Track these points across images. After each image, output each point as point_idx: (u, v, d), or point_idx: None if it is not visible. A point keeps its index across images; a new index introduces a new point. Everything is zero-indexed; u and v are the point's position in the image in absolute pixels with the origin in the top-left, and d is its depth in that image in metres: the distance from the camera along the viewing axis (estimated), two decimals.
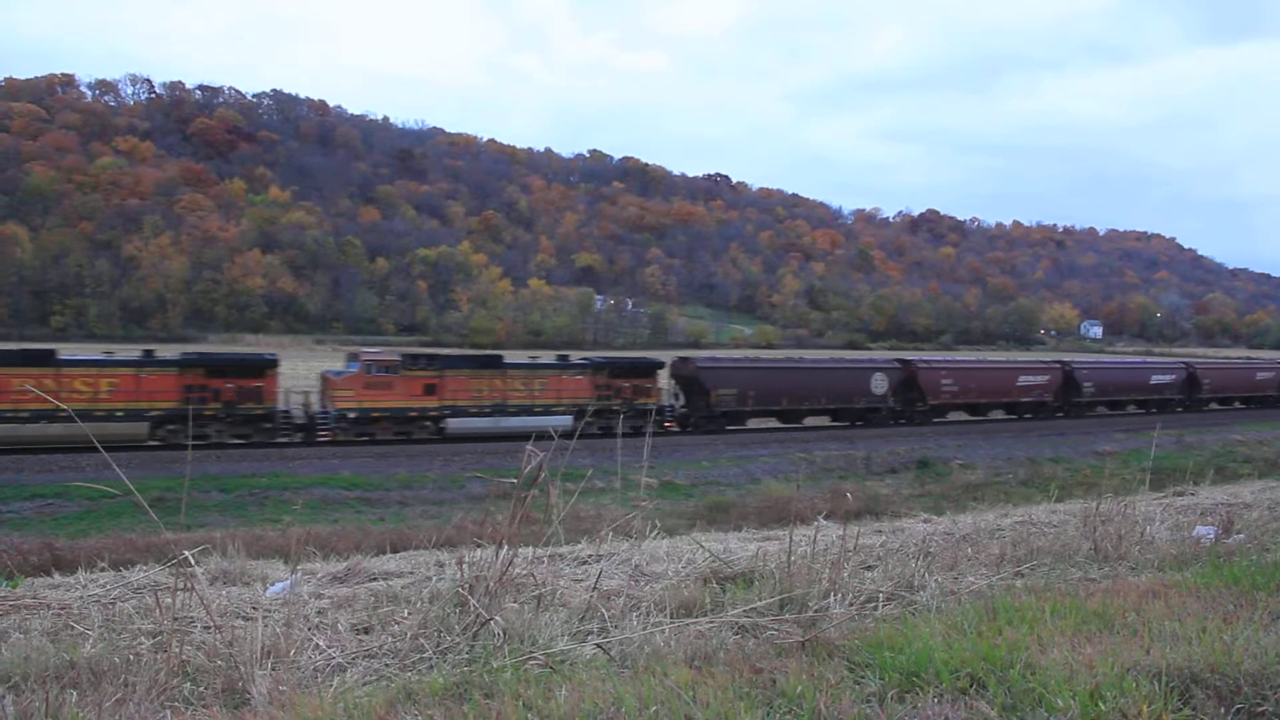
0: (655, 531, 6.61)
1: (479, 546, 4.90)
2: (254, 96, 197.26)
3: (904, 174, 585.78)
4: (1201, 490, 11.62)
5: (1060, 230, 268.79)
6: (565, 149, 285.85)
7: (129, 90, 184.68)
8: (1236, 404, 62.39)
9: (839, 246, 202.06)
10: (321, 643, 4.35)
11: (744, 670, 3.65)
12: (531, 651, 3.94)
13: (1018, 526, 8.67)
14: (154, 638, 4.30)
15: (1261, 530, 7.80)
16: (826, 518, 7.21)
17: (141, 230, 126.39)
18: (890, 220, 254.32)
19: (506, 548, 4.52)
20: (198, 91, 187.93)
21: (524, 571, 4.81)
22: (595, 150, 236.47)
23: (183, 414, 31.89)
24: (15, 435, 30.46)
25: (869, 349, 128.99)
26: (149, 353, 34.70)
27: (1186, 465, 13.99)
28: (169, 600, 4.39)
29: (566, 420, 36.70)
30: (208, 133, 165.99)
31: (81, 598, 5.49)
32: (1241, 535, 7.55)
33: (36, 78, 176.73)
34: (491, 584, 4.40)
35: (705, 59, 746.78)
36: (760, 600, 4.72)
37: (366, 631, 4.63)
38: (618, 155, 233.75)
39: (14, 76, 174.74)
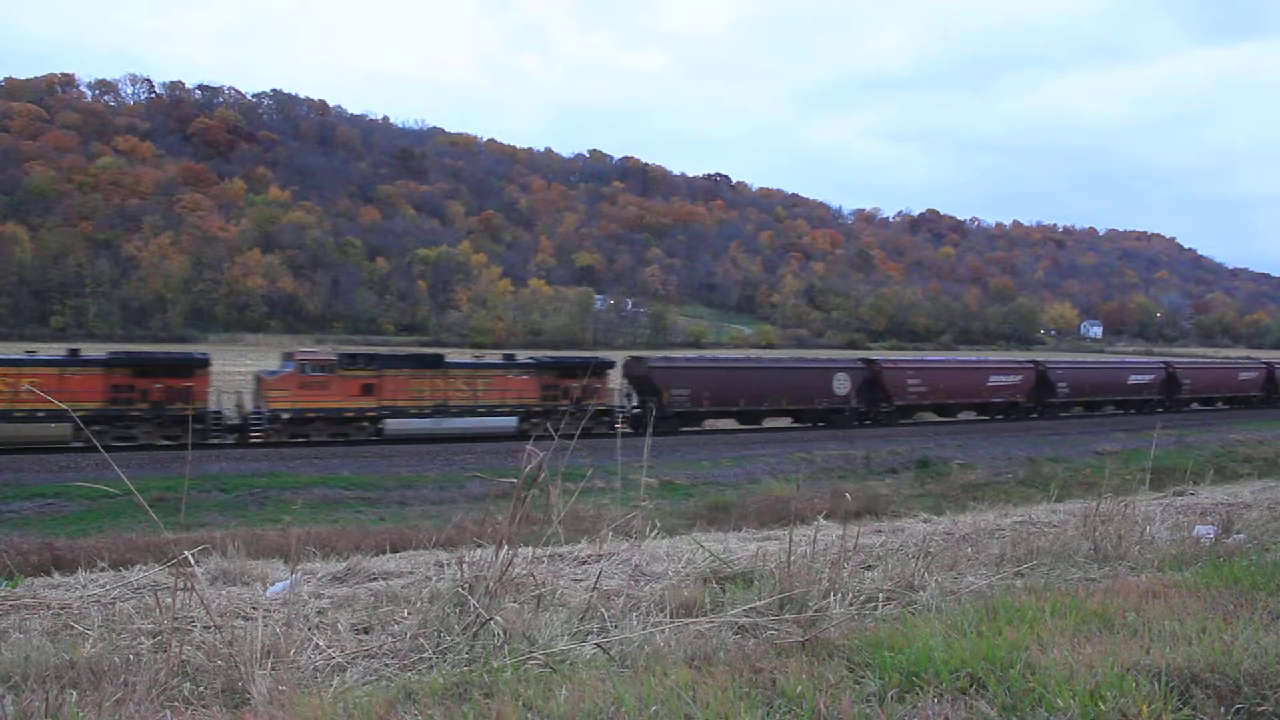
0: (655, 531, 6.61)
1: (479, 546, 4.90)
2: (254, 96, 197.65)
3: (904, 174, 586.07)
4: (1201, 490, 11.63)
5: (1060, 230, 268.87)
6: (565, 149, 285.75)
7: (129, 90, 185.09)
8: (1219, 404, 61.33)
9: (839, 246, 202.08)
10: (321, 642, 4.35)
11: (744, 670, 3.65)
12: (531, 651, 3.94)
13: (1017, 526, 8.67)
14: (154, 637, 4.30)
15: (1261, 530, 7.80)
16: (826, 517, 7.21)
17: (141, 230, 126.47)
18: (890, 220, 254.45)
19: (506, 548, 4.52)
20: (198, 91, 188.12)
21: (524, 571, 4.81)
22: (595, 150, 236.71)
23: (109, 415, 31.15)
24: None
25: (869, 349, 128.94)
26: (74, 351, 34.06)
27: (1186, 465, 13.99)
28: (169, 600, 4.39)
29: (511, 422, 36.33)
30: (208, 132, 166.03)
31: (81, 597, 5.50)
32: (1241, 535, 7.55)
33: (36, 77, 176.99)
34: (491, 584, 4.40)
35: (705, 59, 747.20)
36: (760, 600, 4.72)
37: (366, 631, 4.64)
38: (618, 155, 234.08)
39: (14, 76, 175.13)
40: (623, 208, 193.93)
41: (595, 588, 5.02)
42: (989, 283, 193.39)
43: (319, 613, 5.08)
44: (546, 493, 4.76)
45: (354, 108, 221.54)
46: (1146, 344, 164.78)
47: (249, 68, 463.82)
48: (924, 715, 3.23)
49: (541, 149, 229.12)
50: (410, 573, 6.47)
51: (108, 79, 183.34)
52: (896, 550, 6.70)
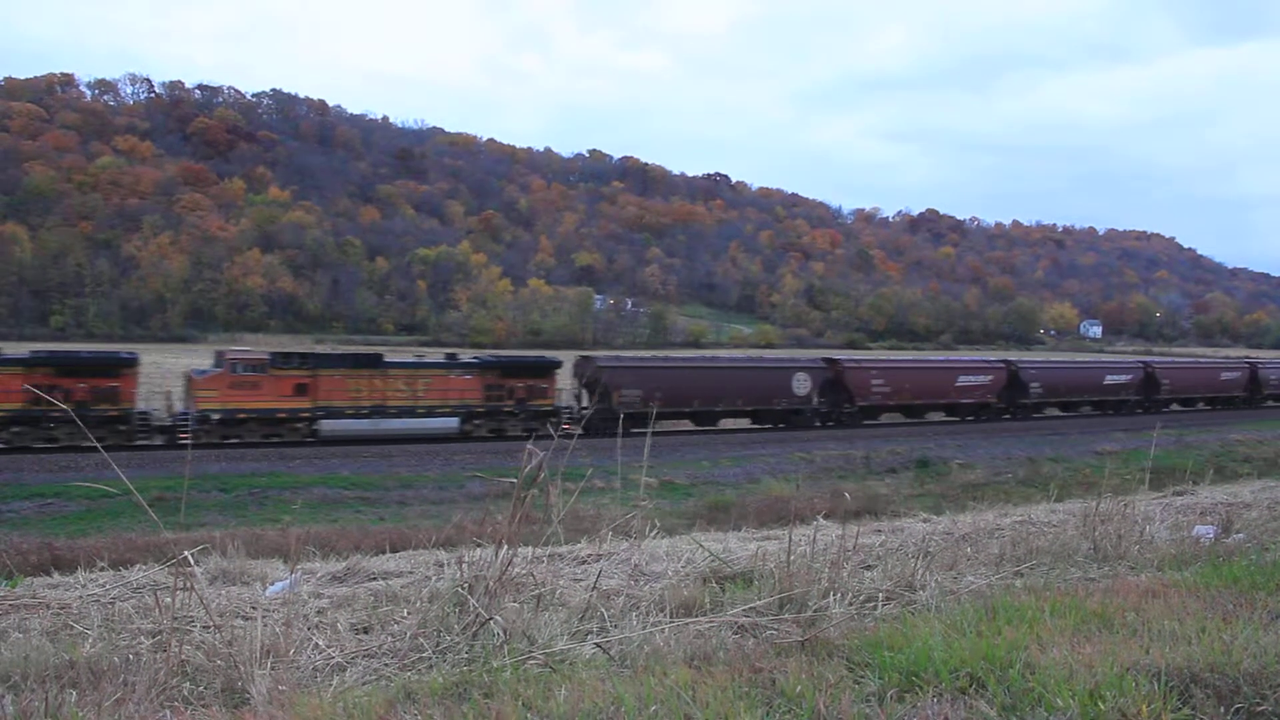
0: (655, 531, 6.61)
1: (478, 546, 4.90)
2: (253, 96, 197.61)
3: (904, 174, 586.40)
4: (1201, 490, 11.64)
5: (1060, 230, 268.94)
6: (565, 149, 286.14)
7: (128, 90, 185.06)
8: (1200, 405, 60.01)
9: (839, 246, 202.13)
10: (321, 642, 4.35)
11: (743, 670, 3.65)
12: (531, 651, 3.94)
13: (1017, 526, 8.67)
14: (153, 637, 4.30)
15: (1261, 530, 7.80)
16: (826, 517, 7.22)
17: (141, 230, 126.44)
18: (890, 220, 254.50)
19: (506, 547, 4.52)
20: (197, 91, 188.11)
21: (524, 571, 4.81)
22: (595, 150, 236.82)
23: (31, 416, 30.45)
24: None
25: (869, 348, 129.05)
26: None
27: (1186, 465, 13.99)
28: (168, 600, 4.39)
29: (452, 423, 35.61)
30: (207, 132, 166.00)
31: (81, 597, 5.50)
32: (1241, 535, 7.55)
33: (36, 77, 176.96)
34: (491, 583, 4.40)
35: (705, 59, 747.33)
36: (760, 600, 4.72)
37: (366, 631, 4.63)
38: (617, 155, 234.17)
39: (14, 76, 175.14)
40: (622, 207, 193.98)
41: (595, 587, 5.02)
42: (989, 282, 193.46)
43: (319, 612, 5.08)
44: (546, 492, 4.76)
45: (354, 107, 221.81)
46: (1146, 344, 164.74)
47: (249, 68, 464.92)
48: (924, 715, 3.23)
49: (541, 149, 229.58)
50: (410, 572, 6.47)
51: (107, 79, 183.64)
52: (896, 550, 6.70)
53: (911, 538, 7.78)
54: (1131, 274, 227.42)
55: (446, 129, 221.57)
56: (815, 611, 4.47)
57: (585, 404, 39.54)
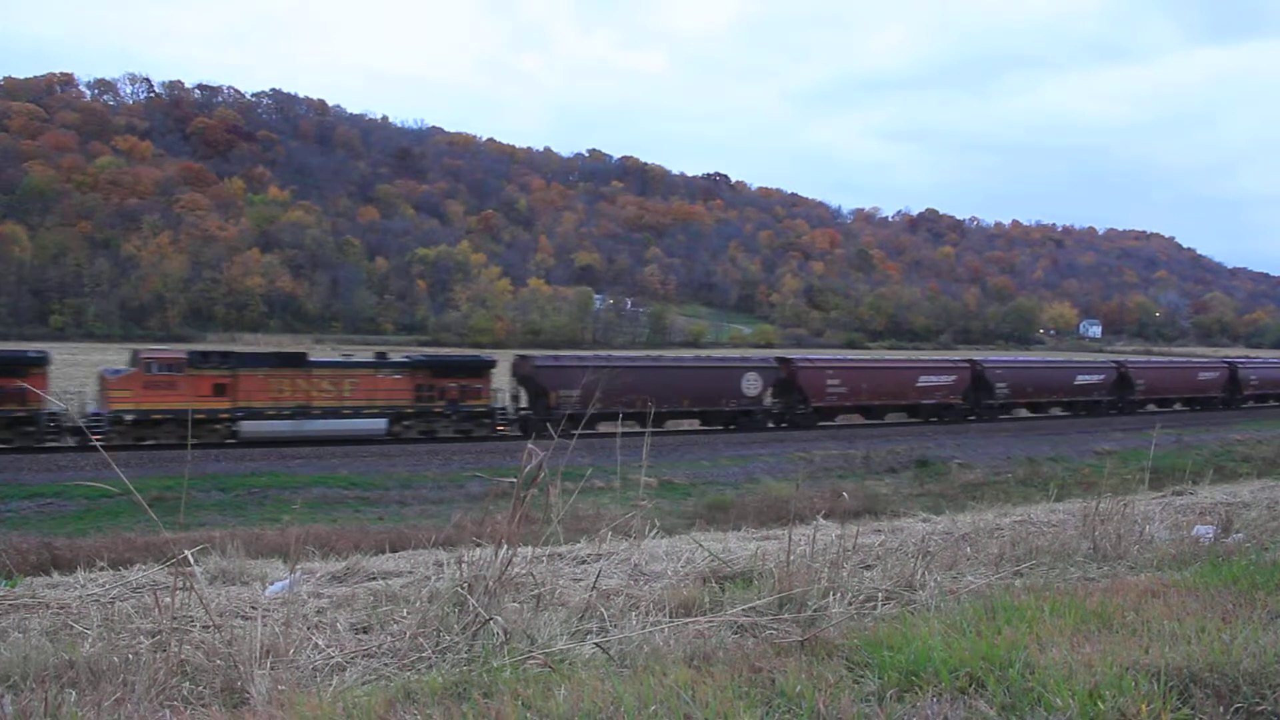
0: (654, 531, 6.62)
1: (478, 546, 4.90)
2: (253, 96, 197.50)
3: (903, 173, 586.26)
4: (1200, 489, 11.64)
5: (1059, 229, 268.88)
6: (565, 148, 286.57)
7: (128, 89, 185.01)
8: (1177, 405, 58.77)
9: (838, 246, 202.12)
10: (320, 642, 4.35)
11: (743, 669, 3.65)
12: (531, 651, 3.94)
13: (1017, 526, 8.67)
14: (153, 637, 4.29)
15: (1260, 529, 7.80)
16: (825, 517, 7.22)
17: (140, 229, 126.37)
18: (889, 219, 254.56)
19: (506, 547, 4.52)
20: (197, 91, 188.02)
21: (523, 571, 4.81)
22: (595, 150, 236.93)
23: None
24: None
25: (868, 348, 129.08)
26: None
27: (1185, 465, 13.99)
28: (168, 600, 4.39)
29: (380, 424, 34.87)
30: (207, 132, 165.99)
31: (80, 597, 5.49)
32: (1240, 534, 7.55)
33: (36, 77, 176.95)
34: (491, 583, 4.40)
35: (705, 58, 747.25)
36: (759, 599, 4.72)
37: (365, 631, 4.63)
38: (617, 155, 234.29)
39: (13, 75, 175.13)
40: (622, 207, 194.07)
41: (594, 587, 5.02)
42: (988, 282, 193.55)
43: (318, 612, 5.08)
44: (546, 492, 4.75)
45: (353, 107, 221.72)
46: (1145, 344, 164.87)
47: (248, 67, 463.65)
48: (923, 714, 3.23)
49: (541, 148, 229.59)
50: (409, 572, 6.47)
51: (107, 78, 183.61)
52: (896, 550, 6.70)
53: (911, 537, 7.78)
54: (1131, 274, 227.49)
55: (446, 129, 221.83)
56: (815, 611, 4.47)
57: (524, 404, 38.82)
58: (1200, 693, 3.39)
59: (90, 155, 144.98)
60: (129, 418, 31.95)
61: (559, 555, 6.45)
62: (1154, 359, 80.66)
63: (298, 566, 6.28)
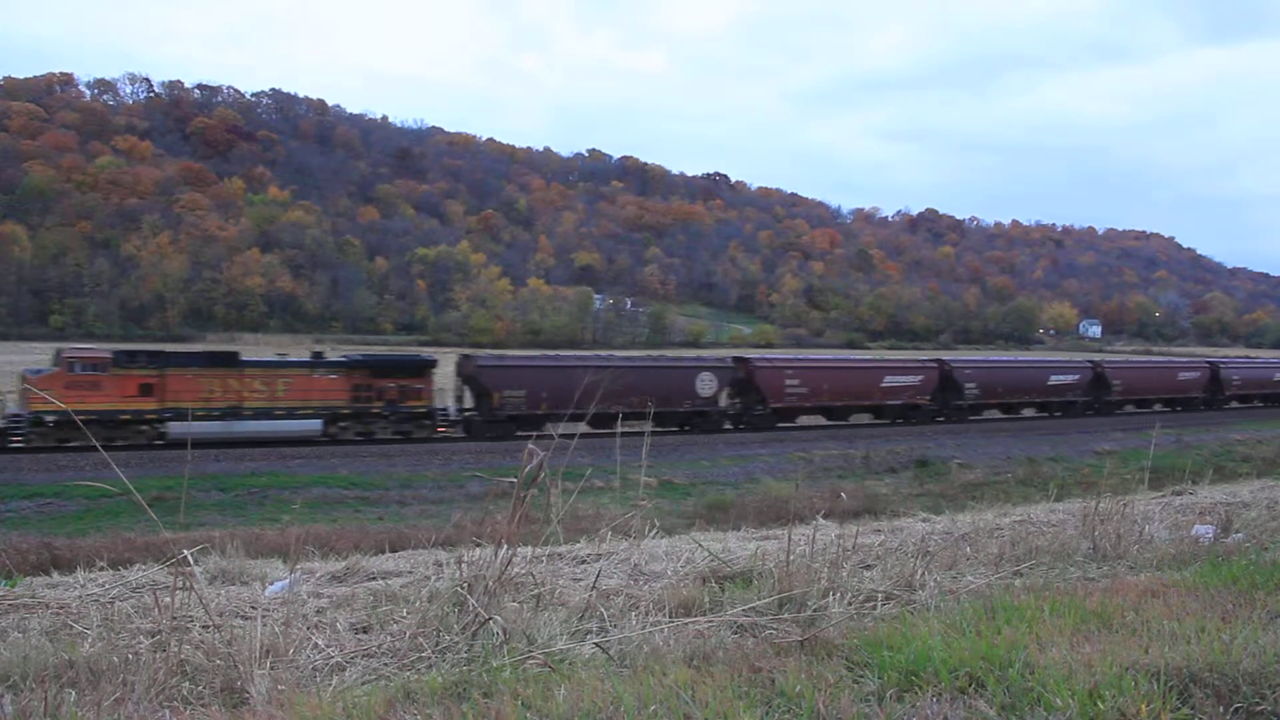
0: (654, 531, 6.62)
1: (478, 546, 4.90)
2: (253, 96, 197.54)
3: (903, 173, 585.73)
4: (1200, 489, 11.63)
5: (1059, 229, 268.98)
6: (565, 148, 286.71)
7: (128, 89, 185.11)
8: (1157, 406, 57.52)
9: (838, 246, 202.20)
10: (320, 642, 4.35)
11: (743, 669, 3.65)
12: (530, 651, 3.94)
13: (1016, 526, 8.67)
14: (153, 637, 4.29)
15: (1260, 529, 7.80)
16: (825, 517, 7.22)
17: (140, 229, 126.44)
18: (889, 219, 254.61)
19: (505, 547, 4.52)
20: (196, 91, 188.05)
21: (523, 571, 4.81)
22: (594, 149, 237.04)
23: None
24: None
25: (868, 348, 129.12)
26: None
27: (1185, 465, 13.99)
28: (168, 599, 4.39)
29: (315, 425, 34.07)
30: (207, 132, 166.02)
31: (80, 597, 5.49)
32: (1240, 534, 7.55)
33: (35, 77, 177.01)
34: (490, 583, 4.40)
35: (705, 59, 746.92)
36: (759, 599, 4.72)
37: (365, 631, 4.63)
38: (617, 154, 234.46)
39: (13, 75, 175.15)
40: (622, 207, 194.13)
41: (594, 587, 5.02)
42: (988, 282, 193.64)
43: (318, 612, 5.08)
44: (546, 492, 4.75)
45: (353, 107, 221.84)
46: (1145, 343, 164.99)
47: (248, 67, 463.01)
48: (923, 714, 3.23)
49: (541, 148, 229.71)
50: (409, 572, 6.47)
51: (107, 78, 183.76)
52: (895, 550, 6.70)
53: (911, 537, 7.78)
54: (1131, 274, 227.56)
55: (446, 129, 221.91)
56: (814, 611, 4.47)
57: (468, 405, 37.95)
58: (1200, 693, 3.39)
59: (90, 155, 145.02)
60: (50, 419, 31.06)
61: (559, 555, 6.44)
62: (1132, 359, 79.22)
63: (297, 566, 6.28)
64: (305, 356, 37.21)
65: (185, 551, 4.31)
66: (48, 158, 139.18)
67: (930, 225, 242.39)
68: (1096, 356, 69.03)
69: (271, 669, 3.83)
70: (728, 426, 42.15)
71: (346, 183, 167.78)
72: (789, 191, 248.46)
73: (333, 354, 38.38)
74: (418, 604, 4.83)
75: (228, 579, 6.10)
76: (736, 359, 44.71)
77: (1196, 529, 7.83)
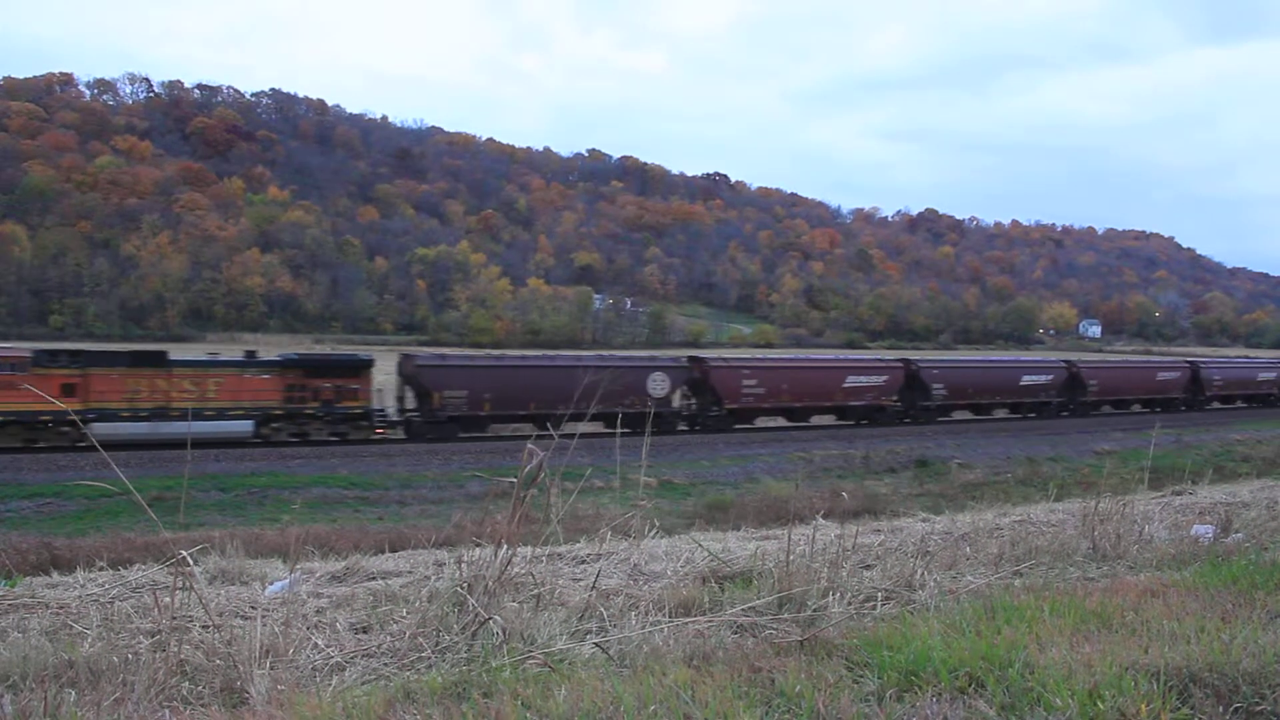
0: (654, 531, 6.62)
1: (478, 546, 4.90)
2: (253, 96, 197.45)
3: (903, 173, 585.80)
4: (1200, 489, 11.63)
5: (1059, 229, 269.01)
6: (564, 148, 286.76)
7: (127, 89, 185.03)
8: (1135, 407, 56.86)
9: (838, 246, 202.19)
10: (320, 642, 4.34)
11: (743, 669, 3.65)
12: (530, 651, 3.94)
13: (1016, 526, 8.67)
14: (152, 637, 4.29)
15: (1260, 529, 7.80)
16: (825, 517, 7.22)
17: (140, 229, 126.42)
18: (889, 219, 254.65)
19: (505, 547, 4.52)
20: (196, 91, 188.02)
21: (523, 571, 4.81)
22: (594, 149, 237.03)
23: None
24: None
25: (868, 348, 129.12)
26: None
27: (1185, 465, 13.99)
28: (167, 599, 4.39)
29: (246, 426, 33.33)
30: (206, 132, 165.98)
31: (80, 597, 5.49)
32: (1240, 534, 7.55)
33: (35, 77, 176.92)
34: (490, 583, 4.40)
35: (705, 59, 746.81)
36: (759, 599, 4.72)
37: (365, 631, 4.63)
38: (617, 154, 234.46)
39: (13, 75, 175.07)
40: (622, 207, 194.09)
41: (594, 587, 5.02)
42: (988, 282, 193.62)
43: (318, 612, 5.08)
44: (546, 492, 4.75)
45: (353, 107, 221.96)
46: (1145, 343, 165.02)
47: (248, 67, 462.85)
48: (923, 714, 3.23)
49: (540, 148, 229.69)
50: (409, 572, 6.47)
51: (106, 78, 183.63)
52: (895, 549, 6.70)
53: (910, 537, 7.78)
54: (1130, 274, 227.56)
55: (446, 129, 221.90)
56: (814, 611, 4.47)
57: (410, 406, 37.34)
58: (1200, 692, 3.40)
59: (90, 155, 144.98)
60: None
61: (559, 555, 6.44)
62: (1109, 359, 77.92)
63: (297, 566, 6.28)
64: (237, 356, 36.57)
65: (185, 551, 4.31)
66: (47, 158, 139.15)
67: (930, 225, 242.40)
68: (1072, 356, 67.70)
69: (271, 669, 3.83)
70: (683, 428, 41.10)
71: (346, 183, 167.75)
72: (789, 191, 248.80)
73: (268, 355, 37.47)
74: (417, 604, 4.83)
75: (228, 579, 6.10)
76: (692, 358, 43.76)
77: (1196, 529, 7.83)
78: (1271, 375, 63.76)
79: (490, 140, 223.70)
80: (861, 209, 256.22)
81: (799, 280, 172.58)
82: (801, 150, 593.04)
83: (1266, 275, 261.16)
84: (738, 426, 42.85)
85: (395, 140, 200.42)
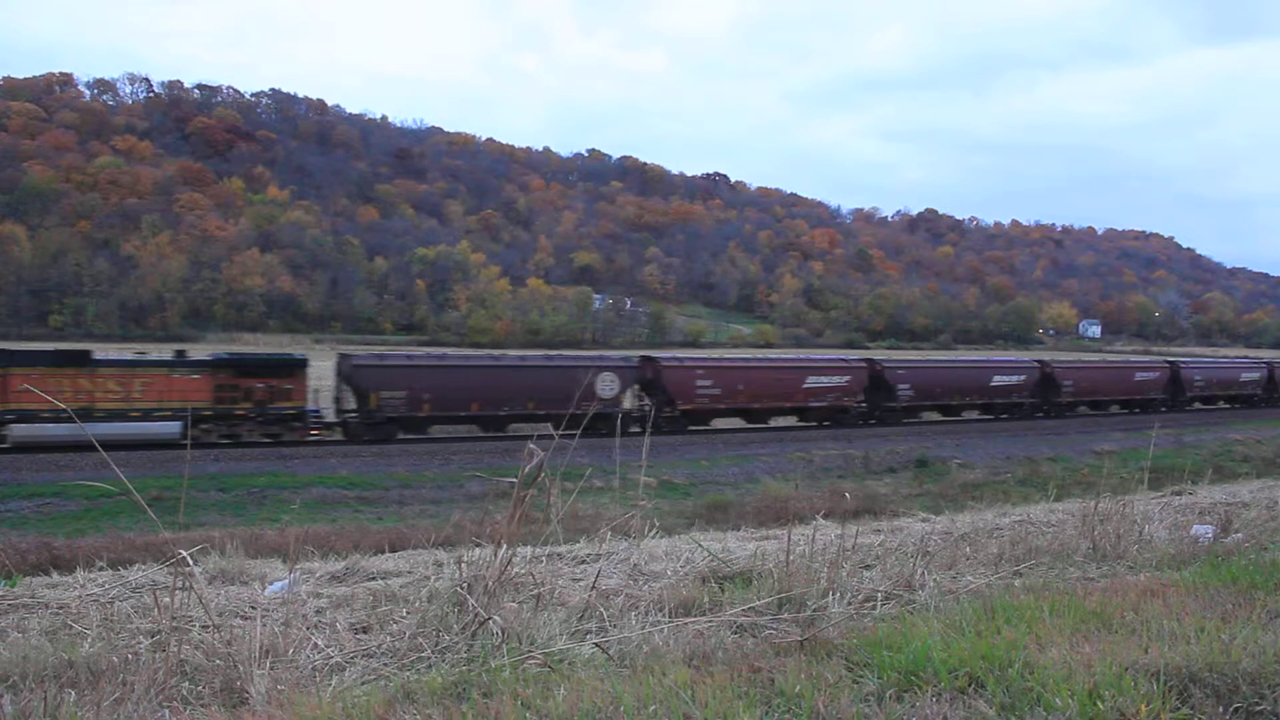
0: (654, 531, 6.62)
1: (477, 545, 4.90)
2: (252, 96, 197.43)
3: (903, 173, 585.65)
4: (1200, 489, 11.63)
5: (1059, 229, 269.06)
6: (564, 148, 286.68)
7: (127, 89, 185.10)
8: (1113, 408, 55.67)
9: (837, 246, 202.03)
10: (320, 642, 4.34)
11: (742, 669, 3.65)
12: (530, 651, 3.94)
13: (1016, 526, 8.68)
14: (152, 637, 4.30)
15: (1260, 529, 7.81)
16: (825, 517, 7.22)
17: (140, 229, 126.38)
18: (889, 219, 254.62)
19: (505, 547, 4.52)
20: (196, 91, 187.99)
21: (523, 571, 4.81)
22: (594, 149, 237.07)
23: None
24: None
25: (867, 348, 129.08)
26: None
27: (1184, 465, 13.99)
28: (167, 599, 4.39)
29: (174, 427, 32.20)
30: (206, 132, 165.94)
31: (80, 597, 5.49)
32: (1240, 534, 7.56)
33: (35, 77, 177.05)
34: (490, 583, 4.40)
35: (705, 59, 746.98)
36: (759, 599, 4.72)
37: (365, 631, 4.63)
38: (616, 154, 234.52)
39: (12, 75, 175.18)
40: (621, 207, 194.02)
41: (594, 587, 5.02)
42: (987, 282, 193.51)
43: (317, 612, 5.08)
44: (546, 492, 4.75)
45: (352, 107, 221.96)
46: (1145, 343, 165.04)
47: (248, 67, 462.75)
48: (922, 714, 3.23)
49: (540, 148, 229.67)
50: (409, 572, 6.47)
51: (106, 78, 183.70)
52: (895, 550, 6.70)
53: (910, 537, 7.78)
54: (1130, 274, 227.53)
55: (445, 129, 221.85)
56: (814, 611, 4.47)
57: (350, 406, 36.50)
58: (1199, 692, 3.40)
59: (90, 155, 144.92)
60: None
61: (558, 555, 6.45)
62: (1085, 359, 76.22)
63: (297, 566, 6.28)
64: (166, 355, 35.72)
65: (184, 552, 4.31)
66: (47, 158, 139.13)
67: (930, 225, 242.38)
68: (1046, 356, 66.04)
69: (271, 669, 3.83)
70: (635, 430, 39.61)
71: (346, 183, 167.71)
72: (789, 191, 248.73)
73: (199, 354, 36.65)
74: (417, 604, 4.83)
75: (227, 579, 6.11)
76: (644, 358, 42.59)
77: (1196, 529, 7.83)
78: (1255, 375, 62.65)
79: (490, 140, 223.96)
80: (861, 209, 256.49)
81: (799, 280, 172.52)
82: (801, 150, 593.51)
83: (1266, 275, 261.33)
84: (693, 429, 41.84)
85: (395, 140, 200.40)
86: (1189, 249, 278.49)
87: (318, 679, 3.91)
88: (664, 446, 36.76)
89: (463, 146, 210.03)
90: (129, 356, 35.65)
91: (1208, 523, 8.11)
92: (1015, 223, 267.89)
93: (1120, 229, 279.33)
